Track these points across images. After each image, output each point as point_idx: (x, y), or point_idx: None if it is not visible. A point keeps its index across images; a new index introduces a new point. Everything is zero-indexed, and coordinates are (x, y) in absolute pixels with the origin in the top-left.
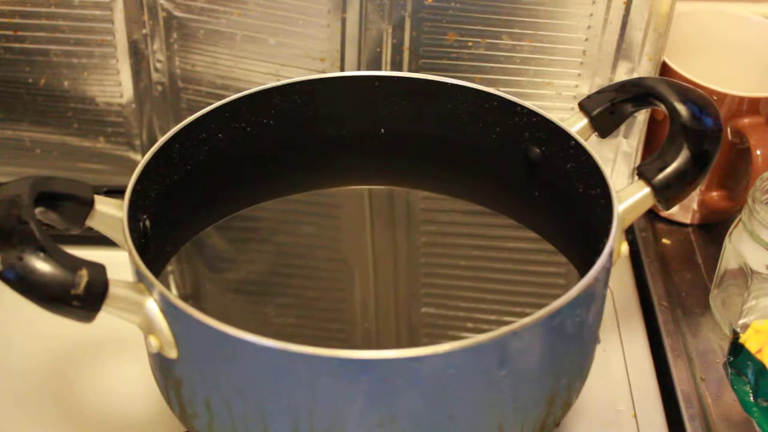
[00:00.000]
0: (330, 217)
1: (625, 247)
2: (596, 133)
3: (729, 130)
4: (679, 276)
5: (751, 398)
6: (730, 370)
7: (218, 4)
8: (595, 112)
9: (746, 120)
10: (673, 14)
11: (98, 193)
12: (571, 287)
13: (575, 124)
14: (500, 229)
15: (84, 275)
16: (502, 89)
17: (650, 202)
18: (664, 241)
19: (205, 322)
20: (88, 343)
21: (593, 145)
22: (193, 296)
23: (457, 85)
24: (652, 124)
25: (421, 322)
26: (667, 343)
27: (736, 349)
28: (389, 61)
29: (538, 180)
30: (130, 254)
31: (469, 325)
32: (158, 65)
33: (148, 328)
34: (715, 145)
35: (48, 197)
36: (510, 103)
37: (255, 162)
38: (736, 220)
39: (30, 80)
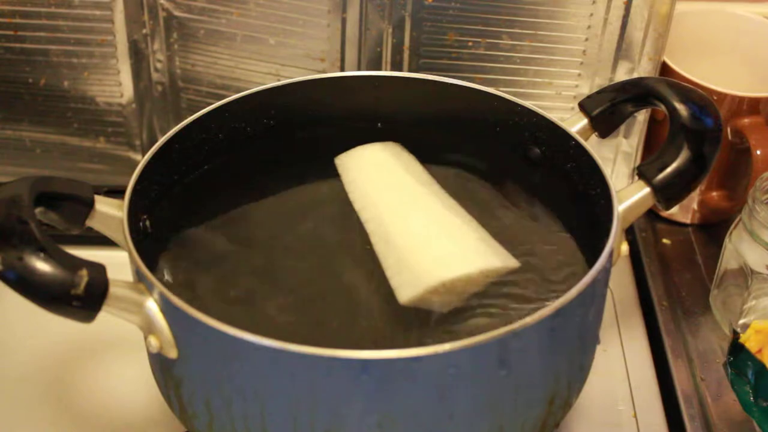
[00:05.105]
0: (330, 215)
1: (625, 247)
2: (596, 133)
3: (729, 130)
4: (679, 276)
5: (751, 398)
6: (730, 370)
7: (218, 4)
8: (595, 112)
9: (746, 120)
10: (673, 14)
11: (98, 193)
12: (571, 287)
13: (575, 124)
14: (500, 229)
15: (84, 275)
16: (502, 89)
17: (650, 202)
18: (664, 241)
19: (205, 322)
20: (88, 343)
21: (593, 145)
22: (193, 296)
23: (457, 85)
24: (652, 124)
25: (422, 321)
26: (667, 343)
27: (736, 349)
28: (389, 61)
29: (538, 180)
30: (130, 254)
31: (470, 324)
32: (158, 65)
33: (148, 328)
34: (715, 145)
35: (48, 197)
36: (510, 103)
37: (255, 162)
38: (736, 220)
39: (30, 80)
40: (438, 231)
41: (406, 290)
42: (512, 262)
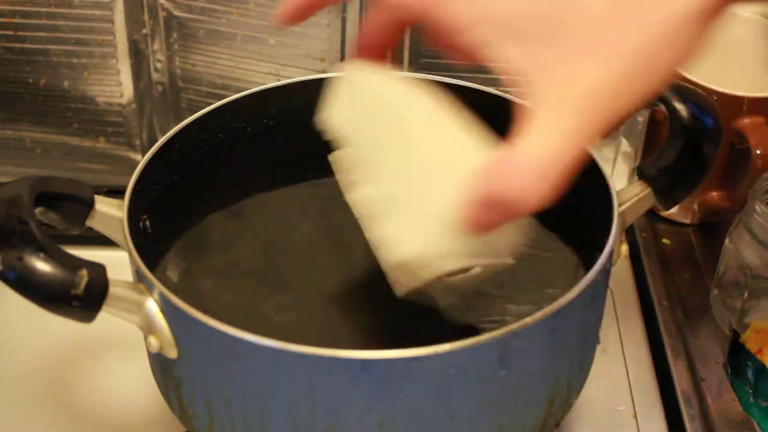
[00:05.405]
0: (331, 215)
1: (625, 247)
2: None
3: (729, 130)
4: (679, 276)
5: (751, 398)
6: (730, 370)
7: (218, 4)
8: None
9: (746, 120)
10: None
11: (98, 193)
12: (571, 288)
13: None
14: None
15: (84, 275)
16: (502, 89)
17: (650, 202)
18: (664, 241)
19: (205, 322)
20: (88, 343)
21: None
22: (193, 296)
23: (457, 85)
24: (652, 124)
25: (422, 320)
26: (667, 343)
27: (736, 349)
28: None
29: None
30: (130, 254)
31: (468, 323)
32: (158, 65)
33: (148, 328)
34: (715, 145)
35: (48, 197)
36: (510, 103)
37: (255, 162)
38: (736, 220)
39: (30, 80)
40: None
41: (402, 284)
42: (507, 259)
